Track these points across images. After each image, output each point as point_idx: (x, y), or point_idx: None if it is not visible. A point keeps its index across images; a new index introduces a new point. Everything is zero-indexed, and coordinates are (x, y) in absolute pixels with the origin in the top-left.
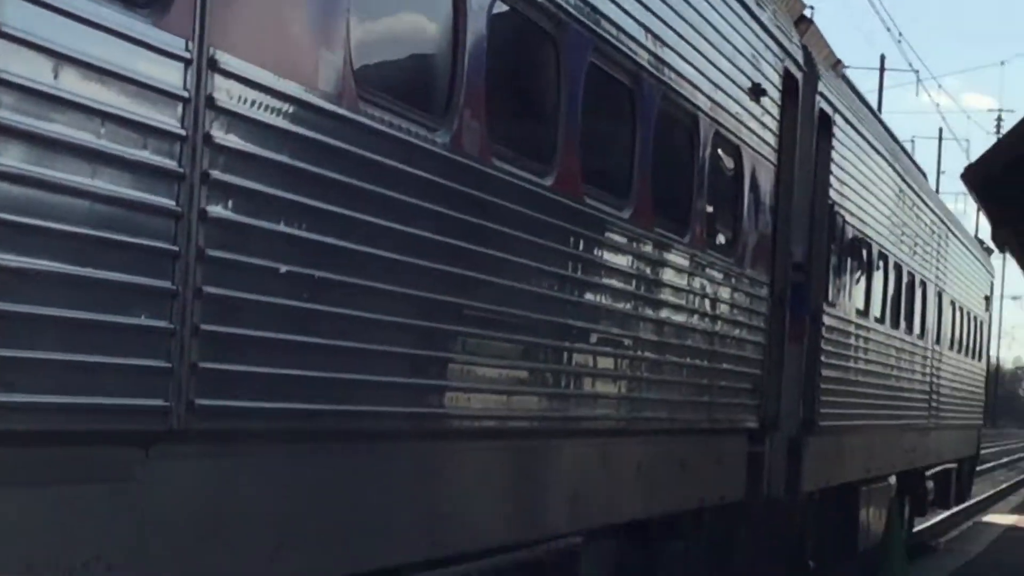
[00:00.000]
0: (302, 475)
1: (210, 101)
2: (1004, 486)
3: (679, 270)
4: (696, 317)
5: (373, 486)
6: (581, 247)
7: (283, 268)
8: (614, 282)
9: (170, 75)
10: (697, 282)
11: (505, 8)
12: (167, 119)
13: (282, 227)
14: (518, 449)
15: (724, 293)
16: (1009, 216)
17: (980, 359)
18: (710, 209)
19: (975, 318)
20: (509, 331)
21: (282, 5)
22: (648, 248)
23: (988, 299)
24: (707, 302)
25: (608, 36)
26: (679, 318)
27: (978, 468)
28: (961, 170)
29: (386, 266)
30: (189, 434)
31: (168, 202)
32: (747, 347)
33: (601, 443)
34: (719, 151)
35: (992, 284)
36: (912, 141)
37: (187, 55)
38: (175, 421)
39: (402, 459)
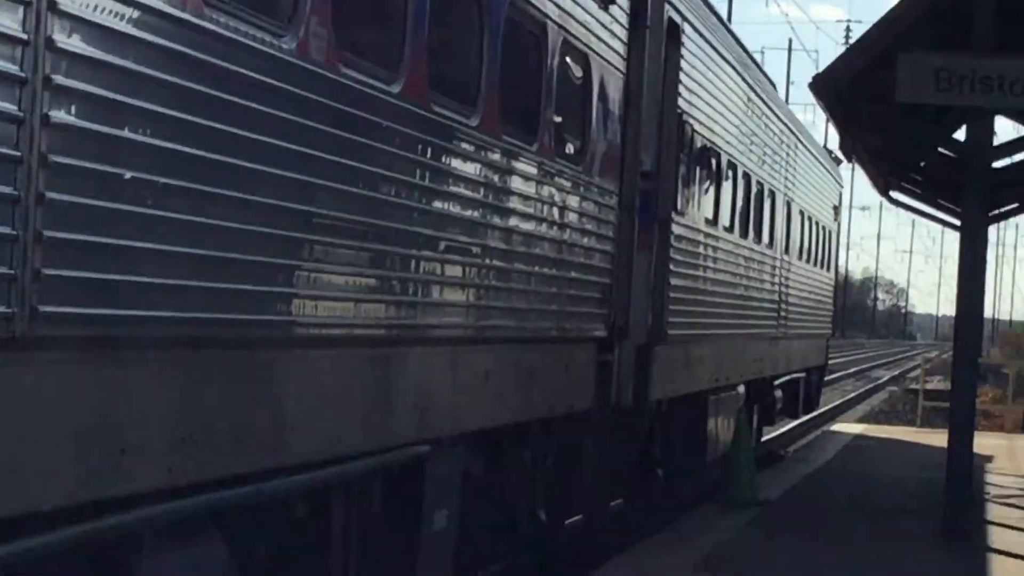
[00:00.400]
0: (149, 383)
1: (52, 5)
2: (852, 396)
3: (527, 178)
4: (544, 226)
5: (222, 394)
6: (428, 155)
7: (128, 174)
8: (462, 190)
9: None
10: (545, 190)
11: None
12: (8, 23)
13: (126, 133)
14: (367, 357)
15: (572, 202)
16: (856, 125)
17: (829, 269)
18: (558, 118)
19: (824, 228)
20: (357, 239)
21: None
22: (496, 156)
23: (837, 209)
24: (555, 210)
25: None
26: (527, 226)
27: (827, 378)
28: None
29: (232, 173)
30: (33, 341)
31: (10, 107)
32: (596, 256)
33: (450, 351)
34: (567, 60)
35: (841, 194)
36: (762, 52)
37: None
38: (19, 328)
39: (251, 367)
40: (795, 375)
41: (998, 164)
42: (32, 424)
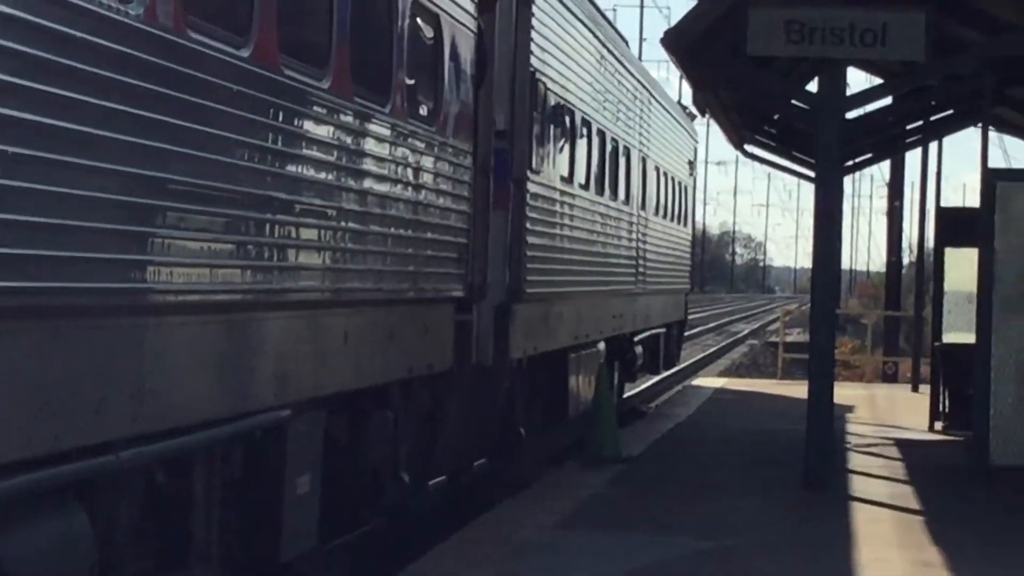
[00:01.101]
0: (5, 350)
1: None
2: (713, 350)
3: (380, 140)
4: (399, 187)
5: (78, 361)
6: (281, 118)
7: None
8: (315, 153)
9: None
10: (399, 151)
11: None
12: None
13: None
14: (224, 323)
15: (427, 162)
16: (709, 79)
17: (686, 224)
18: (411, 79)
19: (680, 184)
20: (211, 204)
21: None
22: (348, 118)
23: (692, 165)
24: (409, 171)
25: None
26: (382, 188)
27: (687, 333)
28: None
29: (81, 140)
30: None
31: None
32: (451, 216)
33: (308, 315)
34: (418, 20)
35: (696, 150)
36: (614, 10)
37: None
38: None
39: (107, 334)
40: (655, 331)
41: (851, 115)
42: None
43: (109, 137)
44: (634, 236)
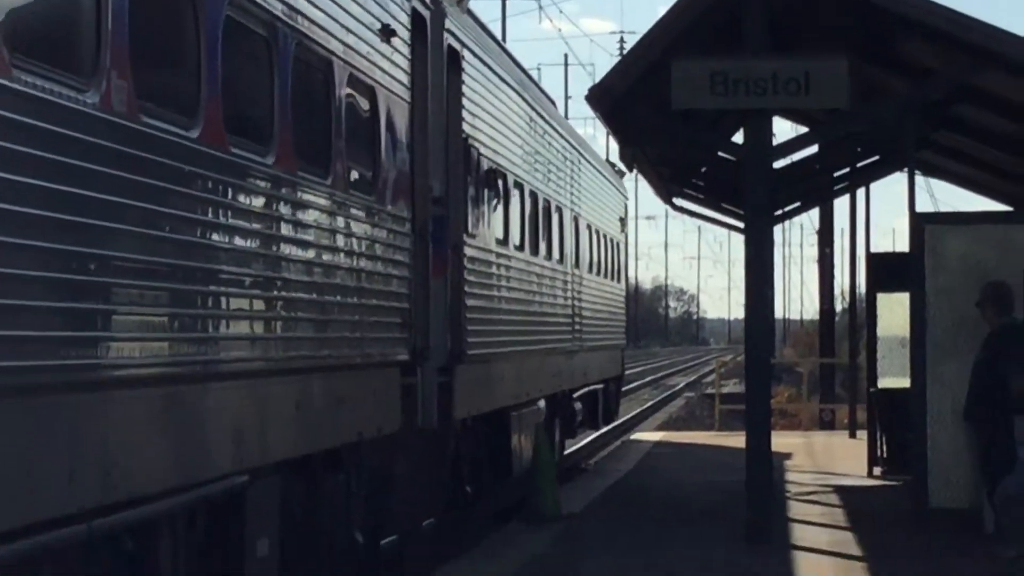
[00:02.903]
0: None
1: None
2: (649, 404)
3: (323, 211)
4: (343, 256)
5: (19, 442)
6: (229, 195)
7: None
8: (262, 227)
9: None
10: (341, 221)
11: None
12: None
13: None
14: (175, 395)
15: (368, 231)
16: (635, 134)
17: (620, 280)
18: (350, 151)
19: (612, 240)
20: (165, 280)
21: None
22: (292, 192)
23: (623, 221)
24: (353, 241)
25: None
26: (326, 257)
27: (624, 388)
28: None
29: (41, 223)
30: None
31: None
32: (393, 282)
33: (260, 383)
34: (355, 93)
35: (626, 206)
36: (538, 69)
37: None
38: None
39: (55, 412)
40: (594, 386)
41: (778, 164)
42: None
43: (67, 220)
44: (570, 294)
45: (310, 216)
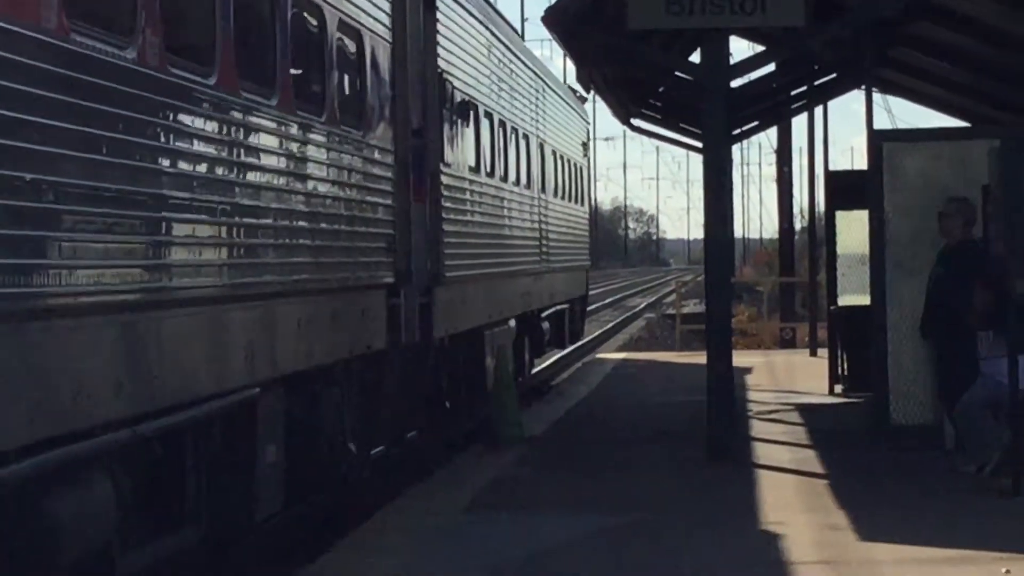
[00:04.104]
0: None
1: None
2: (610, 325)
3: (319, 146)
4: (337, 187)
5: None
6: (241, 135)
7: None
8: (271, 162)
9: None
10: (334, 156)
11: None
12: None
13: None
14: (202, 314)
15: (357, 163)
16: (592, 56)
17: (583, 203)
18: (341, 90)
19: (575, 165)
20: (189, 212)
21: None
22: (294, 130)
23: (586, 146)
24: (345, 173)
25: None
26: (323, 189)
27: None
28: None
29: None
30: None
31: None
32: (380, 210)
33: (269, 305)
34: (345, 38)
35: (588, 131)
36: None
37: None
38: None
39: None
40: (560, 306)
41: (735, 83)
42: None
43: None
44: (537, 218)
45: (308, 151)
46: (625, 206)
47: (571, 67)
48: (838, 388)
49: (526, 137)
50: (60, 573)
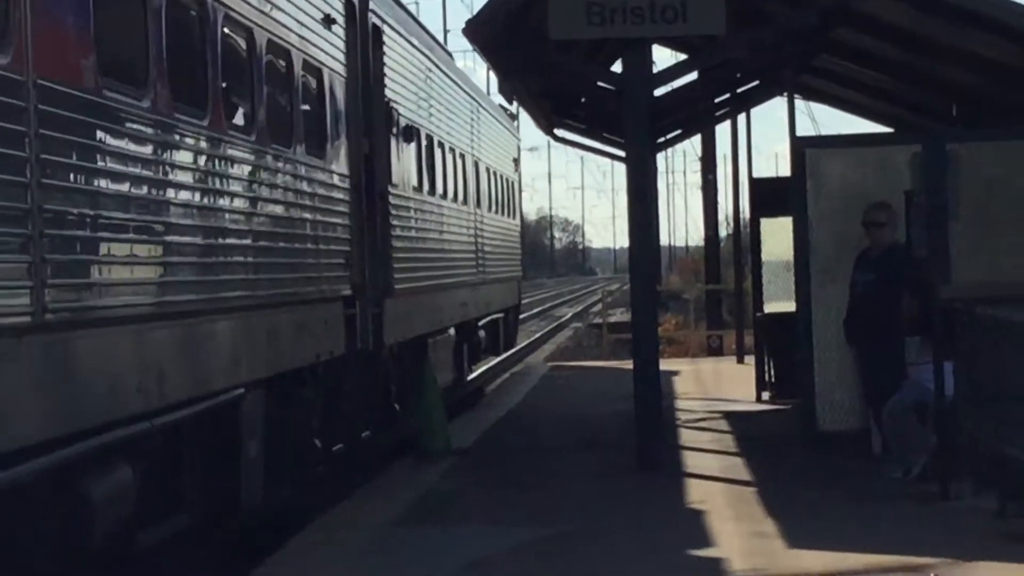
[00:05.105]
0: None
1: None
2: (537, 336)
3: (287, 175)
4: (304, 211)
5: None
6: (224, 167)
7: None
8: (252, 191)
9: None
10: (302, 184)
11: None
12: None
13: None
14: (198, 326)
15: (320, 189)
16: (515, 67)
17: (514, 216)
18: (306, 123)
19: (507, 180)
20: (176, 235)
21: None
22: (268, 160)
23: (517, 161)
24: (311, 198)
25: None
26: (293, 213)
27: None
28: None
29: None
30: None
31: None
32: (339, 230)
33: (249, 316)
34: (308, 75)
35: (519, 147)
36: (417, 3)
37: None
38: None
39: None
40: (495, 315)
41: (658, 92)
42: None
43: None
44: (473, 232)
45: (278, 179)
46: (551, 216)
47: (494, 78)
48: (765, 395)
49: (463, 156)
50: (94, 543)
